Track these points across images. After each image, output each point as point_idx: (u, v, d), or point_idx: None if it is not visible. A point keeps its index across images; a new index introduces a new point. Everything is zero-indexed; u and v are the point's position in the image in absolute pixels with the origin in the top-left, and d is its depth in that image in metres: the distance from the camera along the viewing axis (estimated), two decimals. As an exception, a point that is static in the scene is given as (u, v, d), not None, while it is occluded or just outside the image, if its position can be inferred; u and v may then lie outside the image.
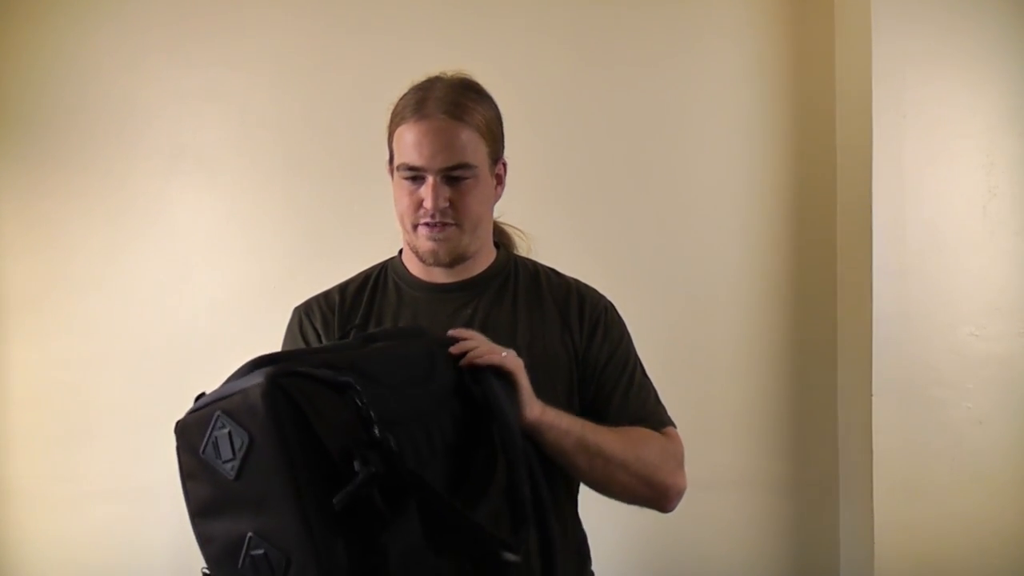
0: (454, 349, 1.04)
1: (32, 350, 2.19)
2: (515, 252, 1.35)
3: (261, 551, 0.77)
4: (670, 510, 1.21)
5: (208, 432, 0.79)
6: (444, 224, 1.18)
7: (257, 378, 0.77)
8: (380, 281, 1.29)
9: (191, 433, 0.81)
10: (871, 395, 2.02)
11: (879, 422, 2.02)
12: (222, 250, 2.20)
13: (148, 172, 2.20)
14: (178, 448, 0.83)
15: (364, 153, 2.20)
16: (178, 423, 0.83)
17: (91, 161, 2.19)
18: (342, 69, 2.21)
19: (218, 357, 2.15)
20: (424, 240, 1.19)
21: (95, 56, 2.20)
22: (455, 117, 1.16)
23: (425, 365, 0.99)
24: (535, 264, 1.33)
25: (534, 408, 1.07)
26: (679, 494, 1.20)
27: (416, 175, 1.17)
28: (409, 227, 1.20)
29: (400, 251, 1.30)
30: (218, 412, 0.78)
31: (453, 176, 1.16)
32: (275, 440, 0.75)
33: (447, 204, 1.16)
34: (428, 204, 1.16)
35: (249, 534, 0.78)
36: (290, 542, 0.76)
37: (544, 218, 2.20)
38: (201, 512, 0.81)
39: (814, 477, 2.24)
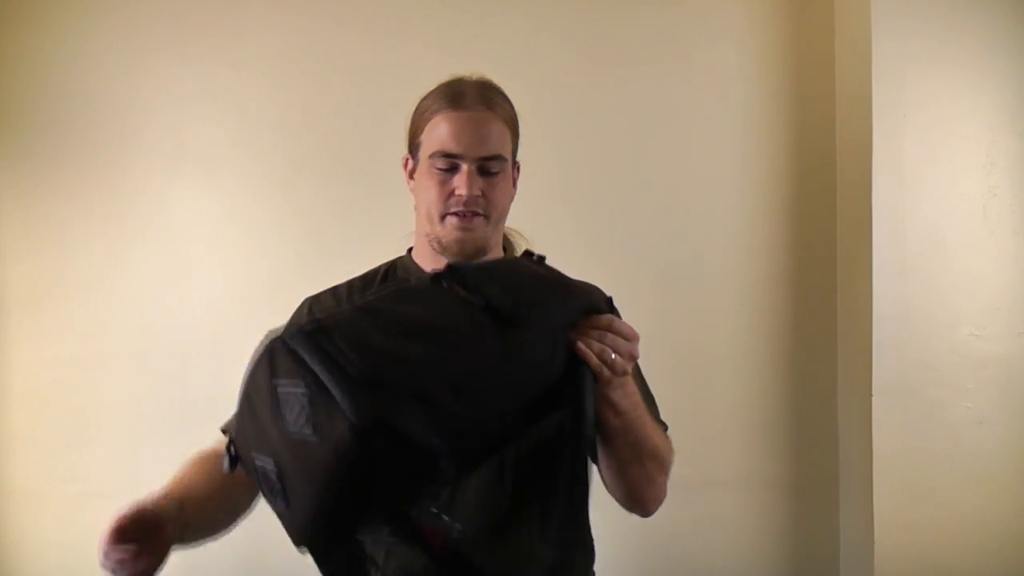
0: (579, 348, 0.96)
1: (32, 350, 2.19)
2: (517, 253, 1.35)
3: None
4: (649, 515, 1.22)
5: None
6: (474, 215, 1.19)
7: (346, 416, 0.76)
8: (389, 276, 1.30)
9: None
10: (871, 395, 2.02)
11: (879, 422, 2.02)
12: (222, 250, 2.20)
13: (148, 172, 2.20)
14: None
15: (364, 153, 2.21)
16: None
17: (91, 161, 2.19)
18: (342, 69, 2.20)
19: (218, 357, 2.17)
20: (452, 230, 1.19)
21: (95, 56, 2.20)
22: (491, 109, 1.19)
23: (544, 362, 0.93)
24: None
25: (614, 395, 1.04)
26: (661, 502, 1.21)
27: (451, 164, 1.18)
28: (437, 217, 1.20)
29: (409, 249, 1.31)
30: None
31: (486, 168, 1.18)
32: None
33: (479, 194, 1.18)
34: (463, 191, 1.17)
35: None
36: None
37: (545, 218, 2.20)
38: None
39: (814, 477, 2.24)
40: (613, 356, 0.97)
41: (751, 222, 2.25)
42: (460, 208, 1.17)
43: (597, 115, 2.23)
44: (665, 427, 1.25)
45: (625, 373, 1.00)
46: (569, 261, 1.41)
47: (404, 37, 2.19)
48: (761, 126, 2.25)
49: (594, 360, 0.96)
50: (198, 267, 2.20)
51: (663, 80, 2.24)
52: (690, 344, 2.22)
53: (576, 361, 0.96)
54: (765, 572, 2.23)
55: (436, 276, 0.94)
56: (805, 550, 2.24)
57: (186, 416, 2.14)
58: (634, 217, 2.23)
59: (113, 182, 2.19)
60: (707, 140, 2.25)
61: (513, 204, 1.34)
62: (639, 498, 1.18)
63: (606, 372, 0.97)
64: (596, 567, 1.28)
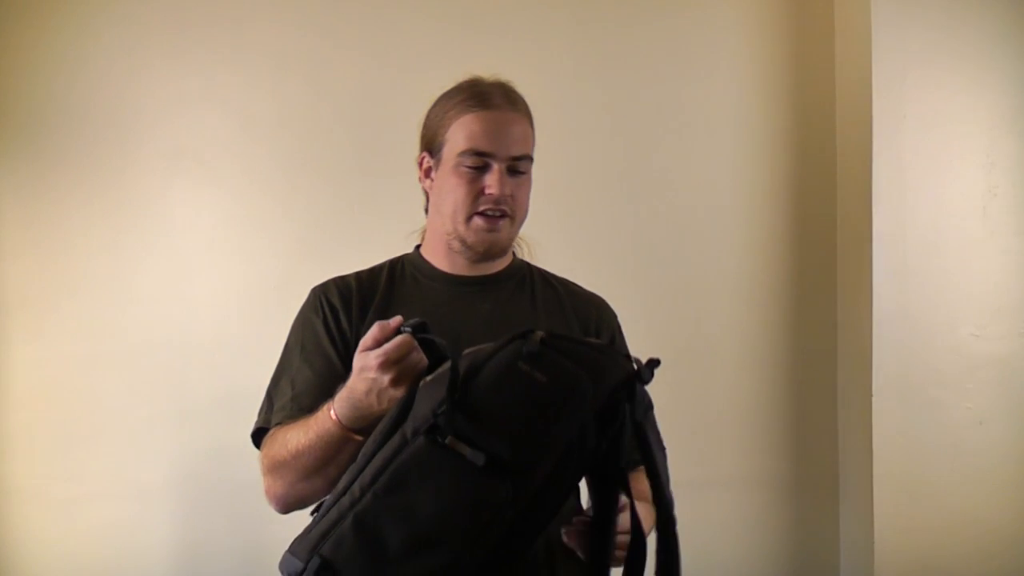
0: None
1: (32, 350, 2.18)
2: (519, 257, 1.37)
3: None
4: None
5: None
6: (501, 215, 1.19)
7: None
8: (397, 271, 1.30)
9: None
10: (871, 395, 2.03)
11: (879, 422, 2.02)
12: (222, 250, 2.20)
13: (148, 173, 2.20)
14: None
15: (364, 153, 2.21)
16: None
17: (92, 162, 2.19)
18: (342, 69, 2.20)
19: (218, 357, 2.17)
20: (478, 231, 1.19)
21: (95, 58, 2.19)
22: (518, 110, 1.21)
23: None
24: (547, 273, 1.36)
25: None
26: None
27: (482, 163, 1.18)
28: (463, 217, 1.19)
29: (417, 247, 1.31)
30: None
31: (515, 167, 1.19)
32: None
33: (509, 193, 1.19)
34: (495, 190, 1.17)
35: None
36: None
37: (545, 220, 2.20)
38: None
39: (814, 477, 2.24)
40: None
41: (751, 222, 2.25)
42: (489, 206, 1.18)
43: (597, 117, 2.23)
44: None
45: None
46: (571, 263, 1.42)
47: (405, 39, 2.19)
48: (761, 126, 2.25)
49: None
50: (198, 267, 2.19)
51: (663, 81, 2.24)
52: (691, 344, 2.22)
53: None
54: (765, 572, 2.23)
55: (431, 428, 0.87)
56: (805, 550, 2.24)
57: (186, 416, 2.14)
58: (634, 218, 2.23)
59: (113, 182, 2.19)
60: (707, 140, 2.25)
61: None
62: None
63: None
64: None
